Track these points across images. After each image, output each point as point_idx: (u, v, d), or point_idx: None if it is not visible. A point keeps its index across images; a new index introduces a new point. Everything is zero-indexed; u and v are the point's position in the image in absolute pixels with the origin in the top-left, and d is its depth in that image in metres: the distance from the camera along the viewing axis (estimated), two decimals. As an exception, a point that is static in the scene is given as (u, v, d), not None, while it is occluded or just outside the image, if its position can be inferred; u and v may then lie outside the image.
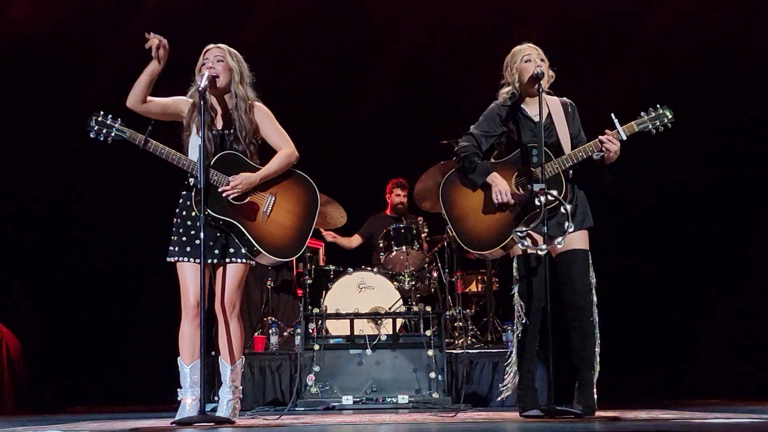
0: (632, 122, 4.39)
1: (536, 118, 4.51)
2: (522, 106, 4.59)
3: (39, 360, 7.30)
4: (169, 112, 4.40)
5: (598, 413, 4.42)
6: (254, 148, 4.43)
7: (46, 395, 7.34)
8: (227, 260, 4.33)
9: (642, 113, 4.39)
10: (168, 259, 4.31)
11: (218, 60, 4.37)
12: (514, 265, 4.56)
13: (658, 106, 4.39)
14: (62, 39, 7.71)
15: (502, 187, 4.47)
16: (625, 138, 4.37)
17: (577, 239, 4.48)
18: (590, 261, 4.50)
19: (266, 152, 4.54)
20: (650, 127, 4.37)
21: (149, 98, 4.30)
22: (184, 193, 4.37)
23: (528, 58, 4.53)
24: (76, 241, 7.87)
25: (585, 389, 4.46)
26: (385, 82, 8.30)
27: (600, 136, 4.39)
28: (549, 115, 4.55)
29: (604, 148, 4.36)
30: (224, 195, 4.28)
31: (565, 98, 4.63)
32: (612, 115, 4.44)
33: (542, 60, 4.53)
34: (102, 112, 4.25)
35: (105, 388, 7.53)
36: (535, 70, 4.42)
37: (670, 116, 4.36)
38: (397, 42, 8.22)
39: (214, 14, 7.84)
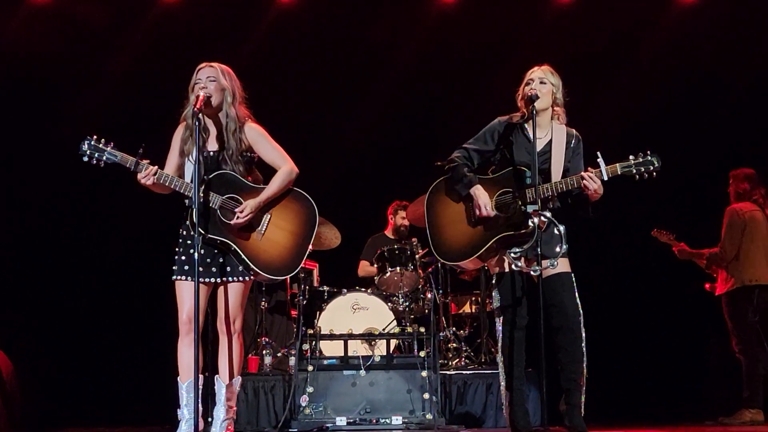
0: (617, 164, 4.40)
1: (536, 142, 4.56)
2: (525, 125, 4.62)
3: (32, 380, 7.26)
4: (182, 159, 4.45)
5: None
6: (243, 168, 4.45)
7: (39, 416, 7.29)
8: (227, 279, 4.36)
9: (630, 157, 4.39)
10: (172, 278, 4.34)
11: (211, 80, 4.40)
12: (493, 282, 4.59)
13: (648, 152, 4.38)
14: (57, 60, 7.75)
15: (482, 200, 4.51)
16: (606, 178, 4.37)
17: (559, 263, 4.50)
18: (574, 282, 4.53)
19: (266, 170, 4.58)
20: (634, 171, 4.36)
21: (165, 176, 4.32)
22: (184, 214, 4.41)
23: (528, 81, 4.59)
24: (70, 260, 7.85)
25: (574, 409, 4.47)
26: (380, 102, 8.35)
27: (582, 173, 4.42)
28: (550, 141, 4.58)
29: (583, 185, 4.38)
30: (234, 224, 4.31)
31: (573, 130, 4.64)
32: (598, 153, 4.45)
33: (542, 82, 4.56)
34: (95, 136, 4.30)
35: (100, 409, 7.48)
36: (529, 92, 4.47)
37: (656, 165, 4.34)
38: (394, 63, 8.28)
39: (209, 33, 7.89)
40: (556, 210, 4.54)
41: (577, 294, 4.50)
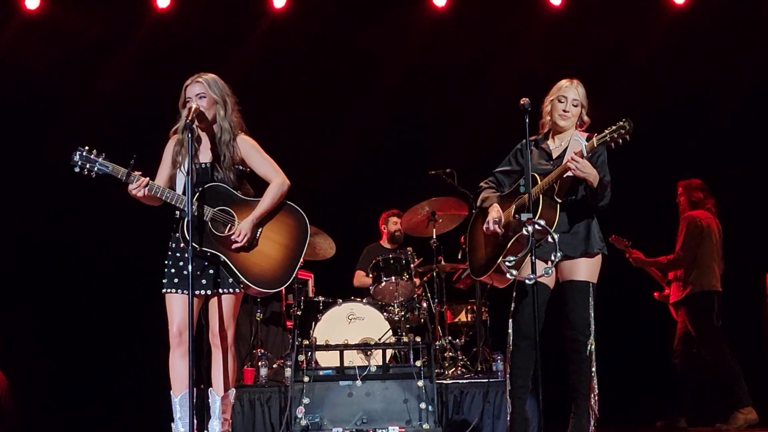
0: (593, 138, 4.42)
1: (554, 151, 4.63)
2: (548, 141, 4.67)
3: (26, 393, 7.23)
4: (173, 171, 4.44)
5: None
6: (234, 176, 4.43)
7: (34, 430, 7.26)
8: (219, 290, 4.35)
9: (606, 129, 4.39)
10: (162, 291, 4.33)
11: (201, 97, 4.38)
12: (514, 288, 4.61)
13: (623, 119, 4.36)
14: (50, 70, 7.75)
15: (490, 217, 4.55)
16: (586, 154, 4.39)
17: (578, 269, 4.52)
18: (591, 292, 4.52)
19: (257, 183, 4.57)
20: (608, 138, 4.34)
21: (157, 188, 4.31)
22: (174, 226, 4.39)
23: (561, 98, 4.60)
24: (64, 272, 7.83)
25: (580, 417, 4.47)
26: (373, 111, 8.35)
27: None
28: (566, 149, 4.60)
29: (567, 167, 4.39)
30: (234, 247, 4.30)
31: (594, 135, 4.64)
32: (576, 132, 4.54)
33: (575, 105, 4.59)
34: (86, 148, 4.28)
35: (95, 422, 7.45)
36: (522, 102, 4.45)
37: (628, 128, 4.30)
38: (387, 72, 8.28)
39: (202, 43, 7.90)
40: (575, 207, 4.54)
41: (590, 303, 4.50)
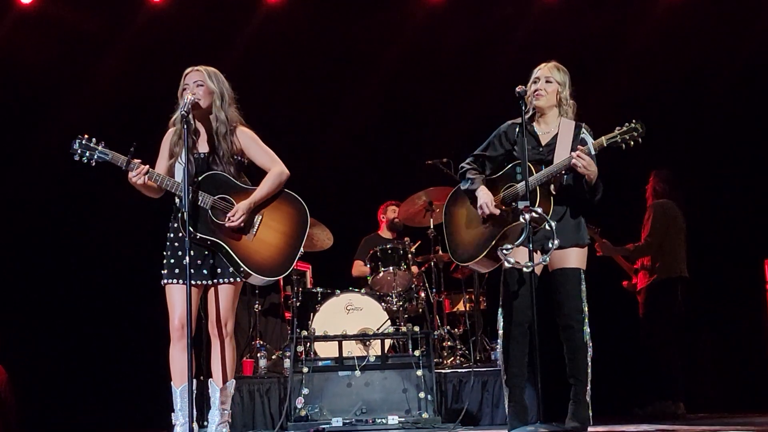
0: (602, 137, 4.40)
1: (542, 137, 4.60)
2: (533, 124, 4.65)
3: (27, 386, 7.23)
4: (171, 161, 4.44)
5: (590, 429, 4.45)
6: (234, 169, 4.44)
7: (35, 423, 7.27)
8: (217, 281, 4.35)
9: (616, 128, 4.38)
10: (162, 282, 4.33)
11: (198, 84, 4.39)
12: (502, 278, 4.60)
13: (633, 120, 4.35)
14: (45, 64, 7.74)
15: (484, 200, 4.54)
16: (594, 153, 4.37)
17: (569, 257, 4.52)
18: (582, 279, 4.53)
19: (257, 175, 4.57)
20: (619, 140, 4.33)
21: (157, 175, 4.32)
22: (173, 215, 4.40)
23: (535, 80, 4.60)
24: (63, 266, 7.82)
25: (578, 405, 4.48)
26: (369, 102, 8.35)
27: (572, 152, 4.43)
28: (556, 135, 4.59)
29: (572, 164, 4.38)
30: (228, 226, 4.30)
31: (583, 124, 4.62)
32: (583, 129, 4.51)
33: (548, 81, 4.58)
34: (86, 136, 4.28)
35: (95, 414, 7.46)
36: (517, 89, 4.46)
37: (641, 130, 4.29)
38: (382, 63, 8.27)
39: (196, 37, 7.89)
40: (556, 195, 4.53)
41: (582, 291, 4.51)
